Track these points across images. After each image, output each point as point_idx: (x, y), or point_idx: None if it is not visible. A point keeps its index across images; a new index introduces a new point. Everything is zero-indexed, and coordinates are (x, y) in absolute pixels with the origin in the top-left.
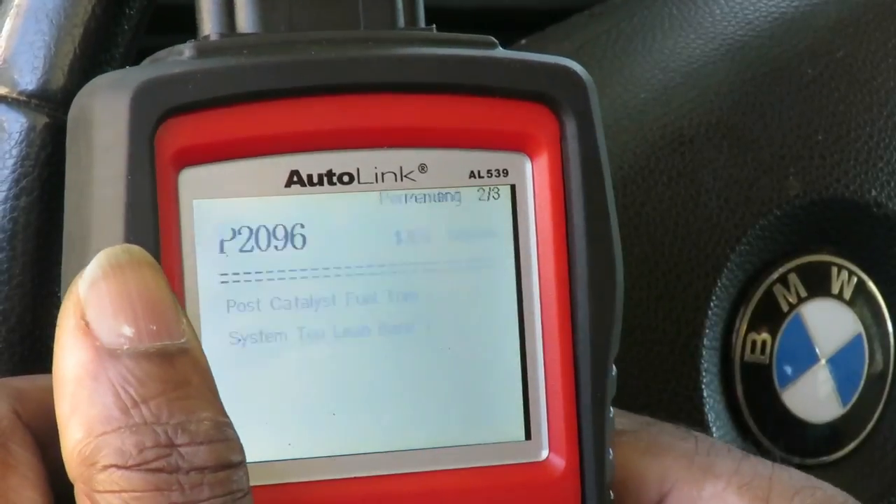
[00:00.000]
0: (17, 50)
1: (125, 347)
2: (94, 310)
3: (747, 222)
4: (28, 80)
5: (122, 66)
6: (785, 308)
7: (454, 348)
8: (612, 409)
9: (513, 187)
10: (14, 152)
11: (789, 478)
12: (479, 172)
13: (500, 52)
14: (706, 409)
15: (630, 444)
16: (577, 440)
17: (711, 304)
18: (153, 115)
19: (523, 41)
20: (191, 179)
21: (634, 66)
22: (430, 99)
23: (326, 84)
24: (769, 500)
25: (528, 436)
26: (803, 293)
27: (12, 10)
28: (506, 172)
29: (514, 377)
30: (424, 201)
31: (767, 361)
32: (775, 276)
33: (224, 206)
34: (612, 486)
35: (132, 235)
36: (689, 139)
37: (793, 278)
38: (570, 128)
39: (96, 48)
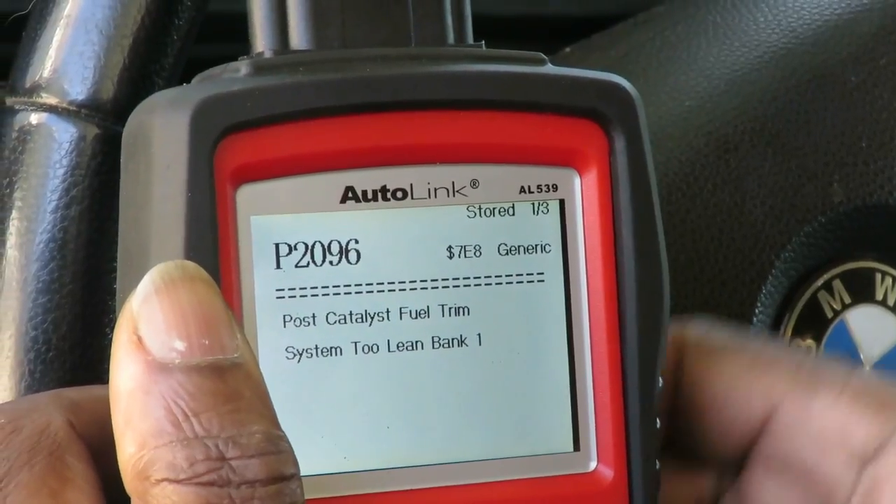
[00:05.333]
0: (66, 60)
1: (177, 361)
2: (147, 324)
3: (792, 229)
4: (78, 90)
5: (172, 76)
6: (829, 314)
7: (505, 361)
8: (658, 420)
9: (562, 202)
10: (64, 162)
11: None
12: (529, 188)
13: (550, 68)
14: None
15: (732, 359)
16: (626, 451)
17: (756, 310)
18: (213, 132)
19: (568, 49)
20: (248, 196)
21: (679, 74)
22: (481, 115)
23: (380, 101)
24: (884, 408)
25: (576, 447)
26: (847, 299)
27: (62, 21)
28: (555, 187)
29: (563, 389)
30: (476, 216)
31: None
32: (820, 282)
33: (281, 221)
34: (713, 410)
35: (192, 252)
36: (733, 146)
37: (837, 285)
38: (619, 144)
39: (146, 58)
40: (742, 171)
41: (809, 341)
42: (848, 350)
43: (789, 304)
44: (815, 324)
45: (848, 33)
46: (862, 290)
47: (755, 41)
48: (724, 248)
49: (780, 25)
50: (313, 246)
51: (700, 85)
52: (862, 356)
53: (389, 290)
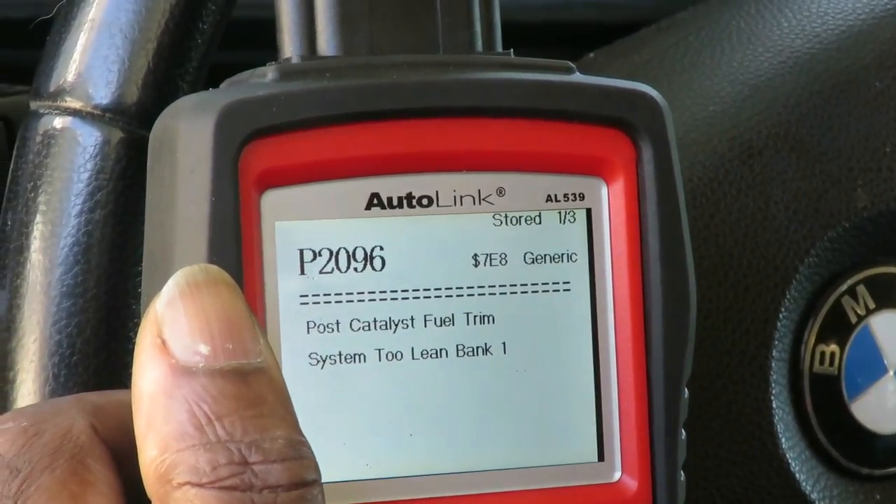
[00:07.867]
0: (91, 64)
1: (200, 365)
2: (171, 328)
3: (816, 234)
4: (102, 94)
5: (196, 80)
6: (853, 320)
7: (530, 370)
8: (683, 431)
9: (588, 211)
10: (89, 166)
11: None
12: (555, 196)
13: (578, 76)
14: (775, 420)
15: None
16: (650, 462)
17: (780, 315)
18: (237, 137)
19: (592, 54)
20: (273, 201)
21: (703, 80)
22: (508, 123)
23: (407, 108)
24: None
25: (601, 457)
26: (872, 305)
27: (86, 25)
28: (582, 196)
29: (588, 399)
30: (502, 224)
31: (836, 373)
32: (844, 287)
33: (305, 227)
34: None
35: (215, 256)
36: (757, 151)
37: (861, 290)
38: (647, 153)
39: (170, 62)
40: (766, 177)
41: (833, 347)
42: (871, 356)
43: (813, 309)
44: (838, 329)
45: (872, 39)
46: (886, 296)
47: (779, 46)
48: (748, 253)
49: (804, 31)
50: (338, 252)
51: (724, 90)
52: (885, 362)
53: (414, 298)
